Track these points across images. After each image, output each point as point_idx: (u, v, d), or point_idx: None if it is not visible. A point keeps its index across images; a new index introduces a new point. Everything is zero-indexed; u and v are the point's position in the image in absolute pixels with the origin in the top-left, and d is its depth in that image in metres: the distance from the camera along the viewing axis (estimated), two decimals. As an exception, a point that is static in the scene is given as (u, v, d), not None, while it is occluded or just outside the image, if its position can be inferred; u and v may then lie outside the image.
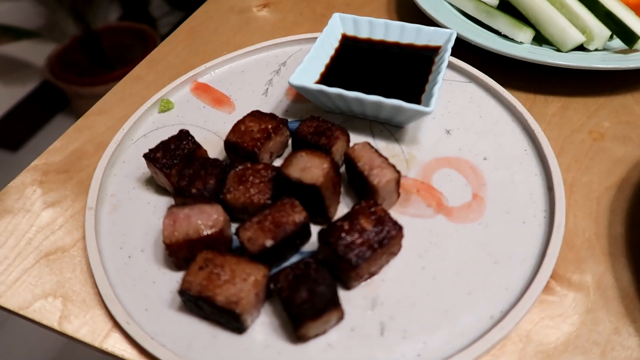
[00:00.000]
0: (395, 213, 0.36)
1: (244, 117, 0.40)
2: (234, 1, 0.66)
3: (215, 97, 0.48)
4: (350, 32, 0.49)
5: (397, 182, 0.35)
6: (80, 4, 1.74)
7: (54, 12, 1.83)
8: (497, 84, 0.46)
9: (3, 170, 1.67)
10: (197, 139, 0.42)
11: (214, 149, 0.43)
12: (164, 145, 0.38)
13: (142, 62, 0.55)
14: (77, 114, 1.93)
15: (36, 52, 1.79)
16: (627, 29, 0.46)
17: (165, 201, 0.39)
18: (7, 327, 1.18)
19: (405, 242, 0.34)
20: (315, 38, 0.51)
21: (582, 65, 0.46)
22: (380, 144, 0.42)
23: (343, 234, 0.31)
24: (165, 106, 0.47)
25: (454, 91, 0.47)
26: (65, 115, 1.93)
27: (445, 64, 0.42)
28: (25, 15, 1.73)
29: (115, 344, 0.32)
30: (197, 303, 0.30)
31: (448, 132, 0.43)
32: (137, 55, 1.83)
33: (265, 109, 0.46)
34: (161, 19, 2.14)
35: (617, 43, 0.50)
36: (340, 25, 0.49)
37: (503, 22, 0.50)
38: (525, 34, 0.49)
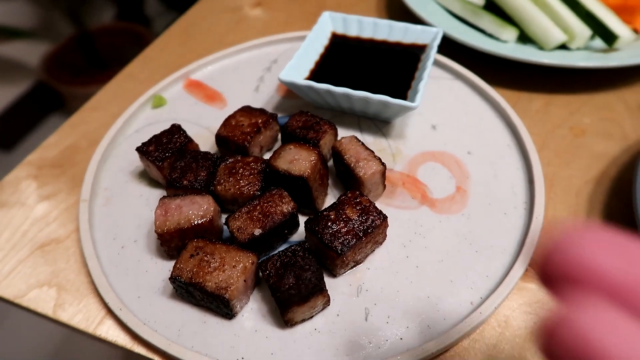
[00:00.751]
0: (381, 204, 0.38)
1: (235, 112, 0.41)
2: (227, 0, 0.67)
3: (208, 94, 0.49)
4: (340, 31, 0.51)
5: (383, 174, 0.36)
6: (75, 4, 1.75)
7: (48, 12, 1.83)
8: (483, 81, 0.47)
9: (-3, 170, 1.67)
10: (189, 134, 0.43)
11: (206, 144, 0.44)
12: (156, 139, 0.39)
13: (135, 60, 0.56)
14: (71, 113, 1.92)
15: (31, 52, 1.79)
16: (607, 28, 0.48)
17: (157, 194, 0.40)
18: (7, 321, 1.18)
19: (390, 232, 0.35)
20: (306, 36, 0.52)
21: (564, 63, 0.47)
22: (368, 139, 0.43)
23: (329, 223, 0.32)
24: (158, 102, 0.48)
25: (441, 88, 0.48)
26: (60, 115, 1.93)
27: (431, 61, 0.44)
28: (20, 15, 1.73)
29: (108, 330, 0.33)
30: (187, 289, 0.31)
31: (434, 127, 0.44)
32: (132, 55, 1.83)
33: (257, 105, 0.47)
34: (156, 19, 2.14)
35: (598, 42, 0.51)
36: (330, 24, 0.51)
37: (488, 22, 0.51)
38: (509, 33, 0.50)
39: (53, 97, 1.91)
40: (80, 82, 1.75)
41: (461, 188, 0.39)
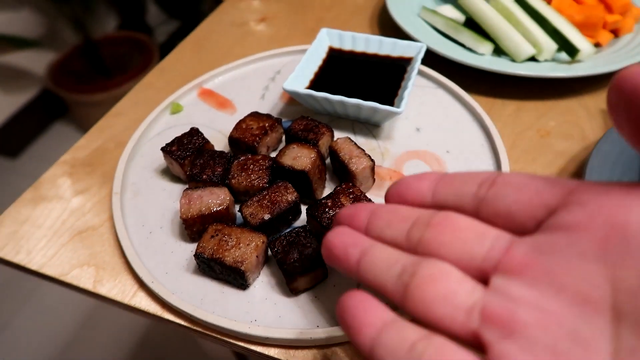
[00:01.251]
0: (371, 195, 0.44)
1: (245, 117, 0.48)
2: (234, 16, 0.73)
3: (219, 101, 0.55)
4: (336, 45, 0.57)
5: (372, 169, 0.42)
6: (80, 14, 1.81)
7: (54, 22, 1.89)
8: (461, 90, 0.54)
9: (3, 177, 1.73)
10: (205, 136, 0.50)
11: (219, 145, 0.50)
12: (178, 141, 0.45)
13: (152, 71, 0.63)
14: (76, 121, 1.99)
15: (37, 61, 1.85)
16: (570, 43, 0.54)
17: (178, 188, 0.46)
18: (14, 321, 1.23)
19: (378, 217, 0.41)
20: (306, 50, 0.59)
21: (533, 74, 0.54)
22: (361, 140, 0.50)
23: (327, 209, 0.38)
24: (176, 109, 0.54)
25: (425, 95, 0.55)
26: (65, 122, 1.99)
27: (415, 72, 0.50)
28: (26, 25, 1.79)
29: (141, 300, 0.39)
30: (209, 264, 0.37)
31: (418, 129, 0.51)
32: (135, 63, 1.90)
33: (263, 110, 0.53)
34: (158, 28, 2.21)
35: (564, 55, 0.58)
36: (327, 39, 0.57)
37: (467, 37, 0.58)
38: (486, 47, 0.57)
39: (58, 105, 1.97)
40: (85, 90, 1.81)
41: (440, 181, 0.45)
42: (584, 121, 0.53)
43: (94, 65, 1.90)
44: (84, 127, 1.93)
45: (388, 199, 0.29)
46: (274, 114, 0.53)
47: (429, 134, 0.50)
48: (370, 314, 0.23)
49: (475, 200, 0.24)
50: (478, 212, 0.24)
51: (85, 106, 1.84)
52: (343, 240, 0.27)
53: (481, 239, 0.23)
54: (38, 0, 1.72)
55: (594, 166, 0.42)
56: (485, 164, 0.47)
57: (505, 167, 0.45)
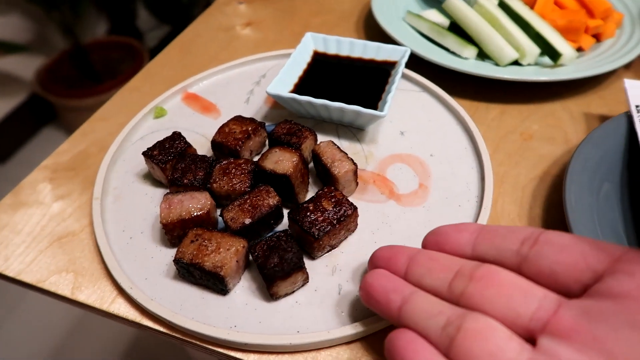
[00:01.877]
0: (354, 199, 0.44)
1: (228, 121, 0.47)
2: (220, 20, 0.73)
3: (204, 105, 0.55)
4: (321, 49, 0.57)
5: (355, 173, 0.42)
6: (69, 19, 1.80)
7: (43, 27, 1.88)
8: (445, 93, 0.54)
9: (-8, 181, 1.71)
10: (188, 140, 0.49)
11: (202, 149, 0.50)
12: (159, 145, 0.45)
13: (138, 75, 0.62)
14: (65, 126, 1.97)
15: (25, 66, 1.83)
16: (552, 47, 0.55)
17: (160, 192, 0.46)
18: (8, 323, 1.22)
19: (361, 221, 0.41)
20: (291, 54, 0.59)
21: (517, 77, 0.54)
22: (345, 143, 0.50)
23: (308, 213, 0.38)
24: (159, 113, 0.54)
25: (409, 99, 0.55)
26: (53, 127, 1.98)
27: (399, 76, 0.50)
28: (15, 29, 1.78)
29: (120, 307, 0.38)
30: (189, 269, 0.37)
31: (402, 133, 0.51)
32: (125, 68, 1.89)
33: (247, 114, 0.53)
34: (148, 33, 2.20)
35: (547, 59, 0.58)
36: (312, 43, 0.57)
37: (452, 41, 0.58)
38: (470, 51, 0.57)
39: (47, 110, 1.95)
40: (74, 95, 1.79)
41: (423, 185, 0.45)
42: (566, 124, 0.53)
43: (84, 70, 1.88)
44: (73, 132, 1.92)
45: (426, 246, 0.29)
46: (259, 118, 0.53)
47: (413, 137, 0.50)
48: (419, 357, 0.23)
49: (517, 257, 0.25)
50: (520, 269, 0.24)
51: (74, 111, 1.83)
52: (383, 285, 0.27)
53: (527, 298, 0.23)
54: (27, 4, 1.71)
55: (575, 169, 0.43)
56: (468, 167, 0.47)
57: (488, 170, 0.45)
